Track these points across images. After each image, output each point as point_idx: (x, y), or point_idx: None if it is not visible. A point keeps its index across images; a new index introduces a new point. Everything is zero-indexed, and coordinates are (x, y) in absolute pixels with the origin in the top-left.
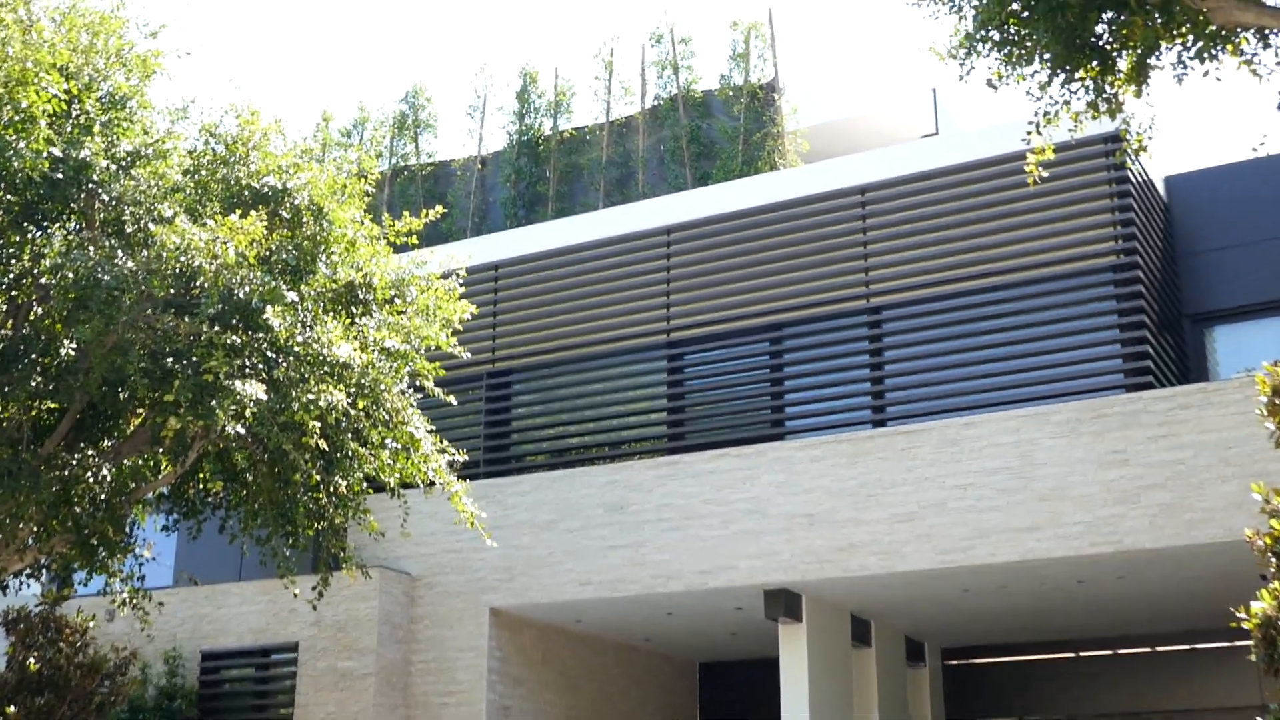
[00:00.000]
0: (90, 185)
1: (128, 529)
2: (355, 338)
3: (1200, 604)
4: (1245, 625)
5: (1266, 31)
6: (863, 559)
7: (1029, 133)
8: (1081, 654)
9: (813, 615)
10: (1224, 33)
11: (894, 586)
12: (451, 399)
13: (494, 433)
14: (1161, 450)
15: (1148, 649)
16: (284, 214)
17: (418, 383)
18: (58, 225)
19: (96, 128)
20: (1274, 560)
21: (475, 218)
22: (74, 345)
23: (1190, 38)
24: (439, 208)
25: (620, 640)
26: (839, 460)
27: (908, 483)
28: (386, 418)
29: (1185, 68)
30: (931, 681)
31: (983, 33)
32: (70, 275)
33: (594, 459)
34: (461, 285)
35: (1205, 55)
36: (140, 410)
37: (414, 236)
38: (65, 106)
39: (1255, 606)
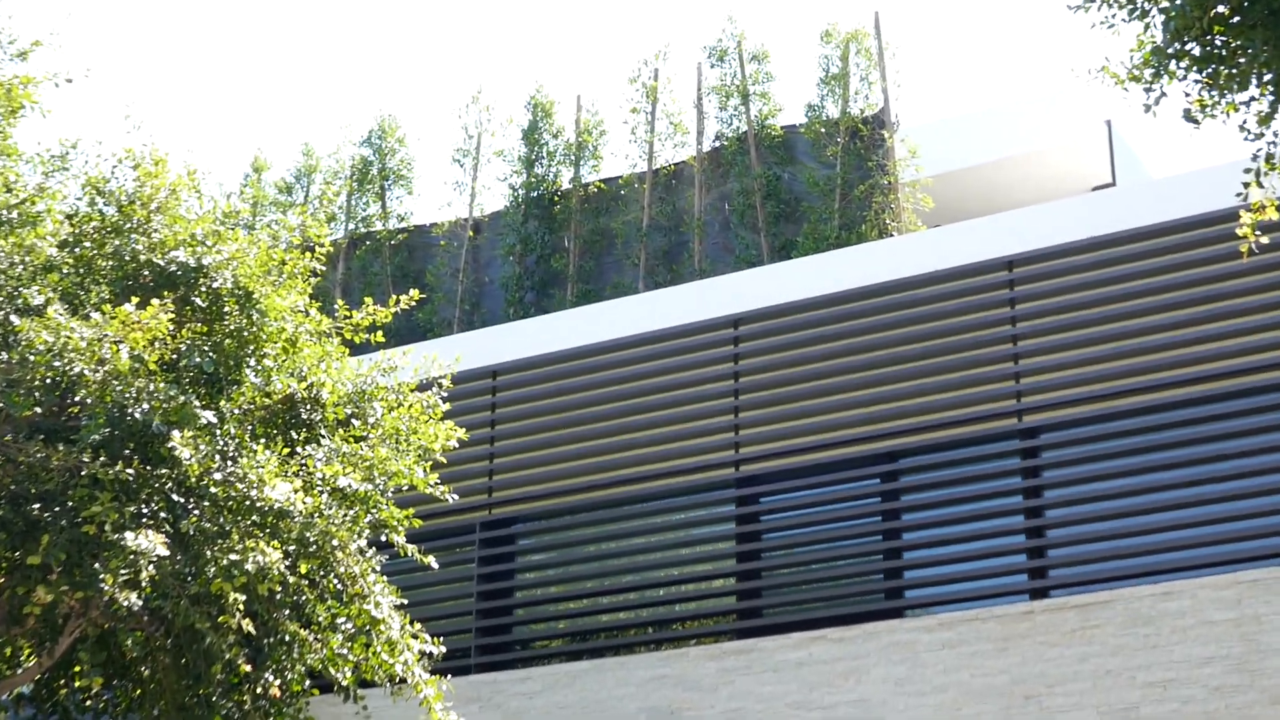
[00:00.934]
0: None
1: None
2: (296, 474)
3: None
4: None
5: None
6: None
7: (1245, 184)
8: None
9: None
10: None
11: None
12: (431, 560)
13: (491, 607)
14: None
15: None
16: (198, 301)
17: (383, 537)
18: None
19: None
20: None
21: (465, 304)
22: None
23: None
24: (414, 292)
25: None
26: (984, 645)
27: (1081, 678)
28: (339, 587)
29: None
30: None
31: (1177, 46)
32: None
33: (633, 644)
34: (446, 400)
35: None
36: None
37: (379, 332)
38: None
39: None
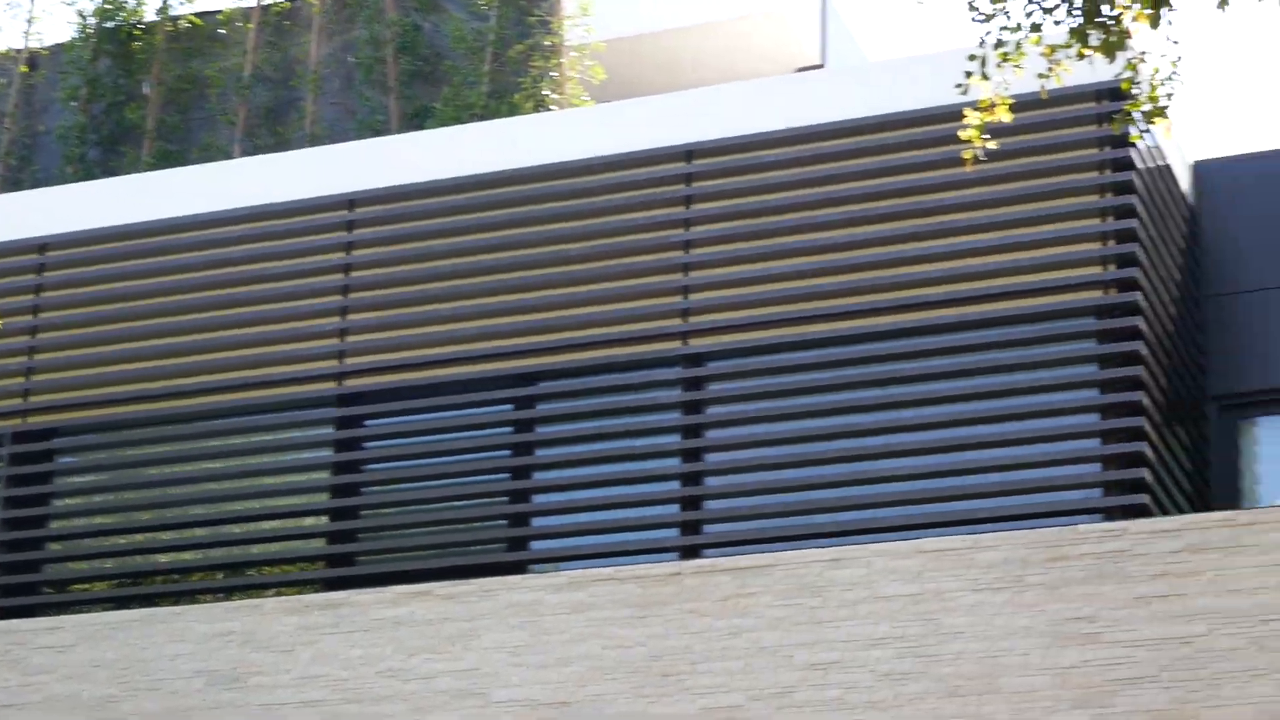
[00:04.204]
0: None
1: None
2: None
3: None
4: None
5: None
6: None
7: (968, 74)
8: None
9: None
10: None
11: None
12: None
13: (17, 538)
14: (1158, 621)
15: None
16: None
17: None
18: None
19: None
20: None
21: (12, 159)
22: None
23: None
24: None
25: None
26: (621, 610)
27: (733, 654)
28: None
29: None
30: None
31: None
32: None
33: (195, 591)
34: None
35: None
36: None
37: None
38: None
39: None
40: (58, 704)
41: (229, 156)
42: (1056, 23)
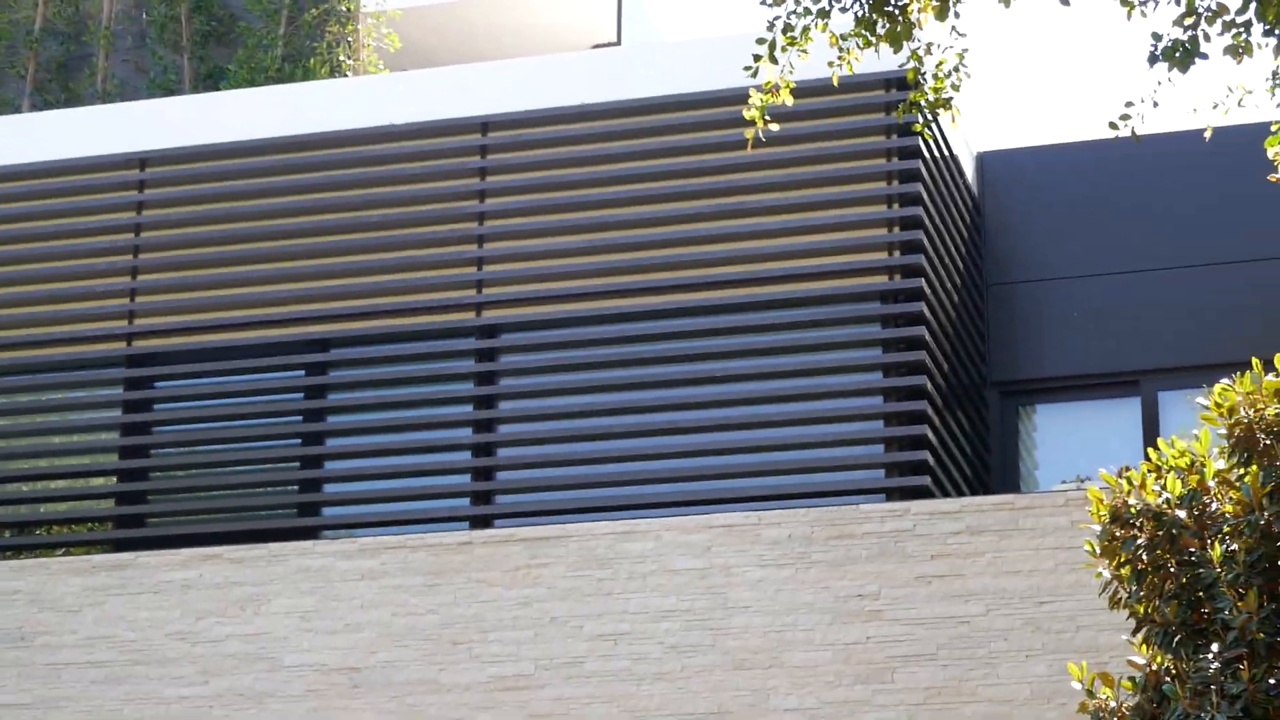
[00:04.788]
0: None
1: None
2: None
3: None
4: None
5: None
6: None
7: (756, 57)
8: None
9: None
10: None
11: None
12: None
13: None
14: (937, 600)
15: None
16: None
17: None
18: None
19: None
20: None
21: None
22: None
23: None
24: None
25: None
26: (412, 578)
27: (522, 624)
28: None
29: None
30: None
31: None
32: None
33: None
34: None
35: None
36: None
37: None
38: None
39: None
40: None
41: (18, 110)
42: (843, 10)
